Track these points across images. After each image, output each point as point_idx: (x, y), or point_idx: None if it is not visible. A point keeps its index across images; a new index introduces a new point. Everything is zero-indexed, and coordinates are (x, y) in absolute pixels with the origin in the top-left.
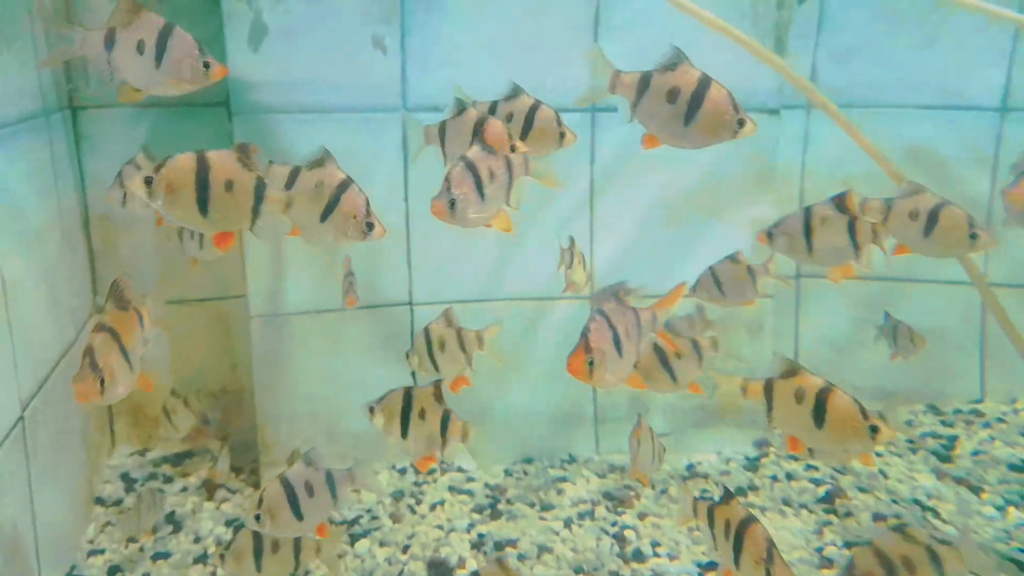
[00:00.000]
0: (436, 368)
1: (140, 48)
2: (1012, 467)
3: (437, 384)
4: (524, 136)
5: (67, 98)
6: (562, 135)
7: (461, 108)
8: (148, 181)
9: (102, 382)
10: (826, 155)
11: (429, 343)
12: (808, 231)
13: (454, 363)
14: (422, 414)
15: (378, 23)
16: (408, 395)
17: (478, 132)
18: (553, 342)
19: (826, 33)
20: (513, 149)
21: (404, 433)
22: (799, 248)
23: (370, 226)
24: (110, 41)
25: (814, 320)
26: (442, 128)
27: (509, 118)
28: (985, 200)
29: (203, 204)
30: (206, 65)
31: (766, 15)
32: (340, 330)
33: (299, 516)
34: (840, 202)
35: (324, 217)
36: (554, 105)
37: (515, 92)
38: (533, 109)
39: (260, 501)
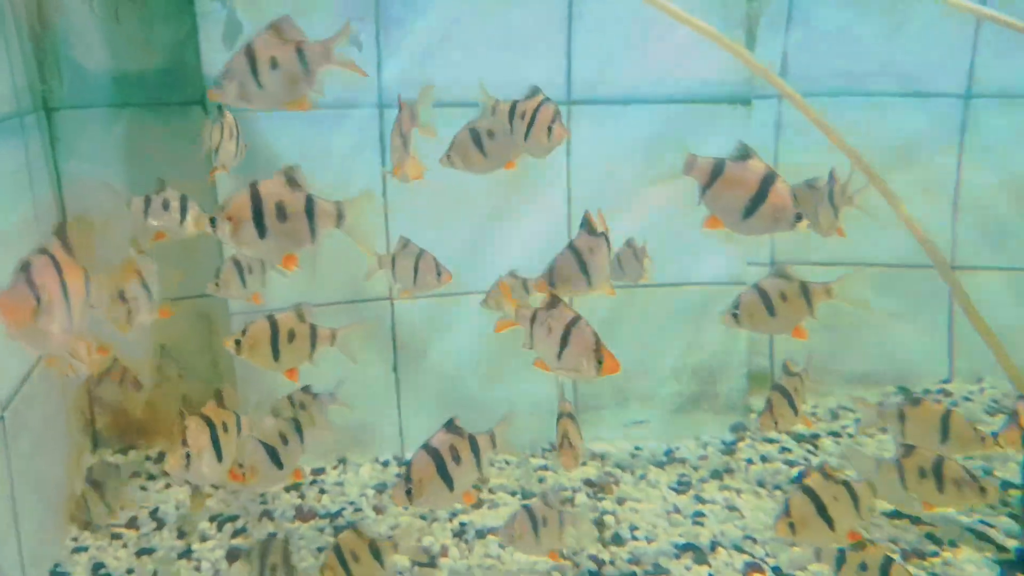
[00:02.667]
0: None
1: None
2: None
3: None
4: (526, 135)
5: (41, 99)
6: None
7: (535, 92)
8: (212, 222)
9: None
10: (798, 144)
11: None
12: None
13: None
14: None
15: (354, 20)
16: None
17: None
18: None
19: (796, 23)
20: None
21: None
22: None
23: None
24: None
25: None
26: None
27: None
28: (951, 185)
29: (263, 232)
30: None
31: (736, 6)
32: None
33: (449, 484)
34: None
35: None
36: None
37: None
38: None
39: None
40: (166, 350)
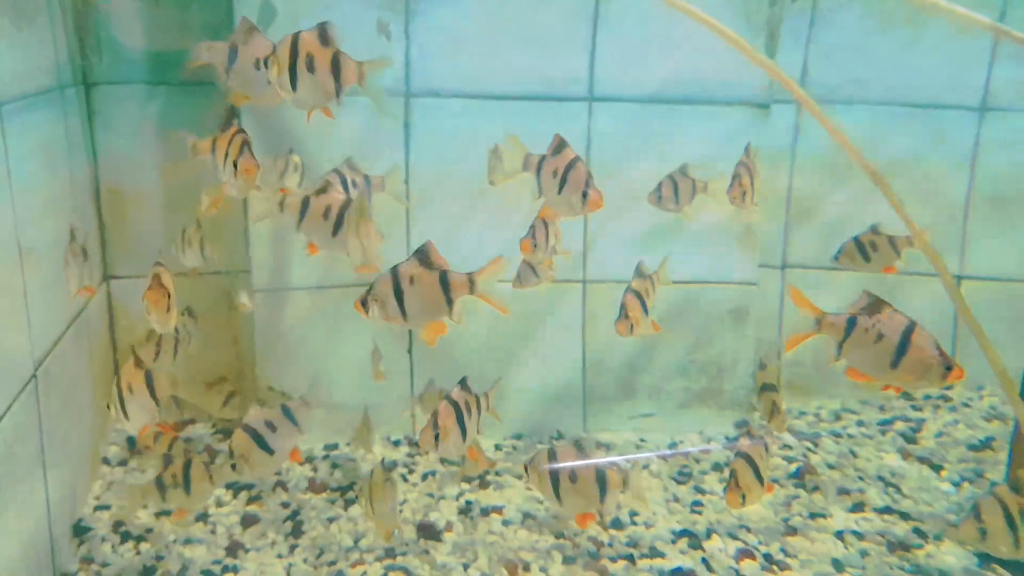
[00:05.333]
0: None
1: (258, 65)
2: (971, 447)
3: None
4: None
5: (81, 74)
6: (585, 195)
7: (560, 146)
8: (364, 303)
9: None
10: (815, 150)
11: None
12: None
13: None
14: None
15: (383, 9)
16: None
17: (568, 174)
18: (545, 324)
19: (818, 30)
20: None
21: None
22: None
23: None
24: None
25: (797, 308)
26: (540, 162)
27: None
28: (962, 199)
29: (403, 306)
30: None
31: (759, 12)
32: (341, 306)
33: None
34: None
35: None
36: (553, 94)
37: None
38: (569, 166)
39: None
40: (191, 311)
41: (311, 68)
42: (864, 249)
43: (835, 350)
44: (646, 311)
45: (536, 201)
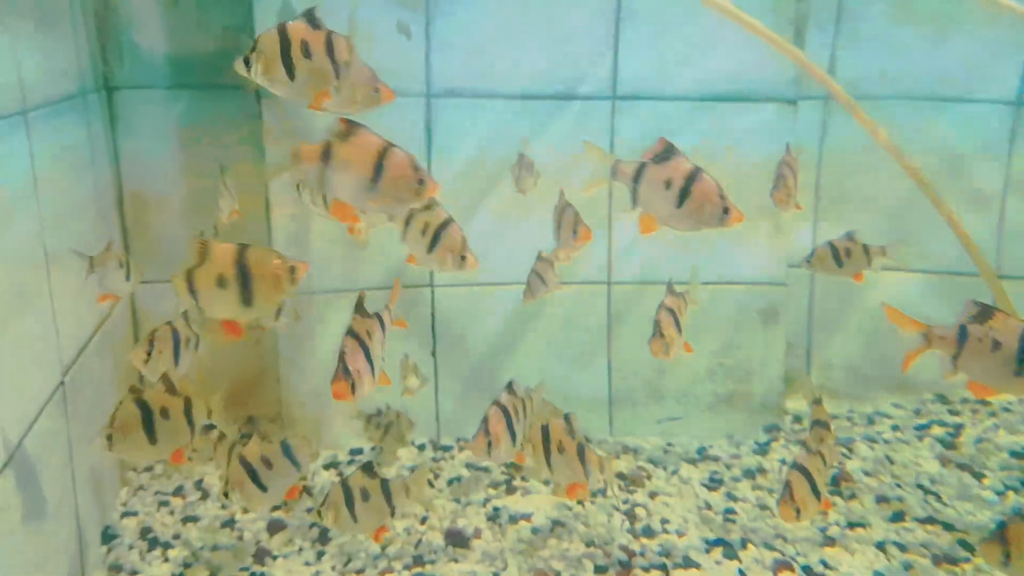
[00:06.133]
0: None
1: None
2: (1013, 454)
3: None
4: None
5: (103, 79)
6: (726, 211)
7: (668, 152)
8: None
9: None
10: (843, 145)
11: None
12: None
13: None
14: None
15: (403, 9)
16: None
17: (692, 186)
18: (570, 326)
19: (845, 24)
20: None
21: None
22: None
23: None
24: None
25: (827, 309)
26: (640, 170)
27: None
28: (999, 194)
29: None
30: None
31: (786, 6)
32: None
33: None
34: None
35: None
36: (575, 93)
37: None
38: (692, 177)
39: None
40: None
41: (307, 55)
42: (838, 255)
43: (950, 364)
44: (679, 329)
45: (630, 213)
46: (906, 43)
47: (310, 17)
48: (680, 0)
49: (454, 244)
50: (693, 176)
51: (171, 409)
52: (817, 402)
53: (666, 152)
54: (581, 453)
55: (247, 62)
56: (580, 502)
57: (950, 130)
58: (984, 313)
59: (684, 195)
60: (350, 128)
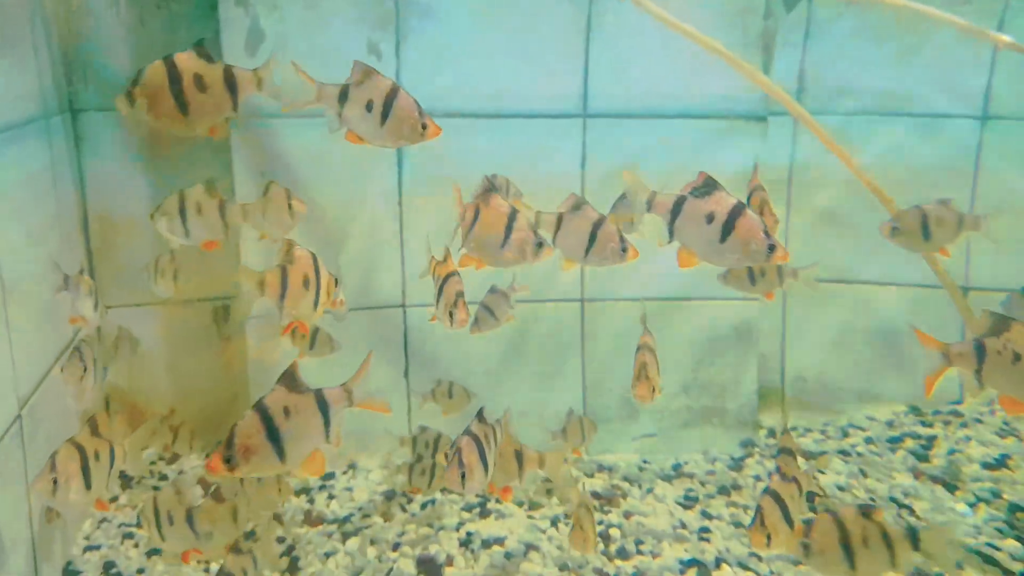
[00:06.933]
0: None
1: (369, 107)
2: (985, 465)
3: None
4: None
5: (67, 101)
6: (771, 248)
7: (709, 186)
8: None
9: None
10: (812, 162)
11: None
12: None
13: None
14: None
15: (374, 29)
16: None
17: (736, 221)
18: (544, 344)
19: (813, 41)
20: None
21: None
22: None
23: (424, 127)
24: (344, 97)
25: (801, 323)
26: (678, 204)
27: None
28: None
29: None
30: (423, 126)
31: (753, 25)
32: (334, 331)
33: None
34: None
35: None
36: (546, 111)
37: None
38: (736, 212)
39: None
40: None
41: (201, 88)
42: (752, 272)
43: (975, 381)
44: (657, 368)
45: (664, 246)
46: (874, 59)
47: (200, 50)
48: (648, 18)
49: None
50: (737, 211)
51: (101, 453)
52: (784, 432)
53: (707, 186)
54: (519, 455)
55: (130, 97)
56: (554, 524)
57: (917, 145)
58: (999, 325)
59: (728, 230)
60: (367, 73)
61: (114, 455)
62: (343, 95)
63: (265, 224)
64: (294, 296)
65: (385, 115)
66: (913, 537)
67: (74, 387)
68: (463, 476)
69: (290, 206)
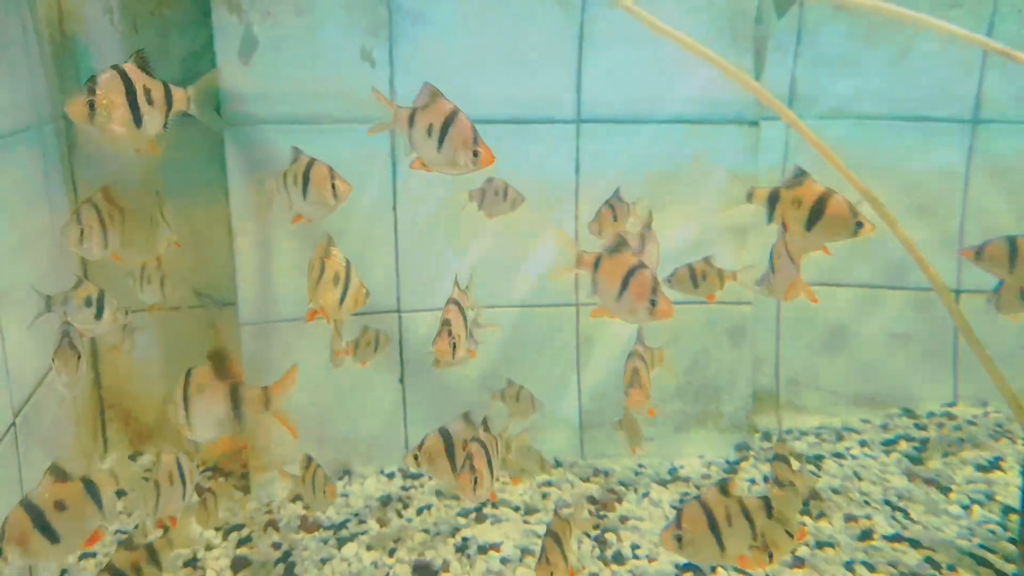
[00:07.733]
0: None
1: (430, 131)
2: (979, 468)
3: None
4: (812, 225)
5: (60, 108)
6: (859, 224)
7: (800, 176)
8: (416, 458)
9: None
10: (804, 166)
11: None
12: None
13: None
14: None
15: (366, 35)
16: None
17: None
18: (538, 349)
19: (805, 47)
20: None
21: None
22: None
23: (476, 154)
24: (411, 120)
25: (794, 326)
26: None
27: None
28: (957, 210)
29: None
30: (475, 154)
31: (745, 30)
32: (329, 337)
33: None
34: None
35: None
36: (540, 117)
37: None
38: (824, 198)
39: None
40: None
41: (149, 101)
42: (695, 276)
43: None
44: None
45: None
46: (865, 63)
47: (142, 62)
48: (641, 25)
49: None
50: (824, 196)
51: (66, 500)
52: (780, 439)
53: (797, 175)
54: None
55: (91, 105)
56: None
57: (908, 149)
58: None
59: (816, 215)
60: (433, 95)
61: None
62: (411, 118)
63: (305, 206)
64: (325, 287)
65: (442, 140)
66: (767, 505)
67: (68, 376)
68: (475, 482)
69: (334, 186)
